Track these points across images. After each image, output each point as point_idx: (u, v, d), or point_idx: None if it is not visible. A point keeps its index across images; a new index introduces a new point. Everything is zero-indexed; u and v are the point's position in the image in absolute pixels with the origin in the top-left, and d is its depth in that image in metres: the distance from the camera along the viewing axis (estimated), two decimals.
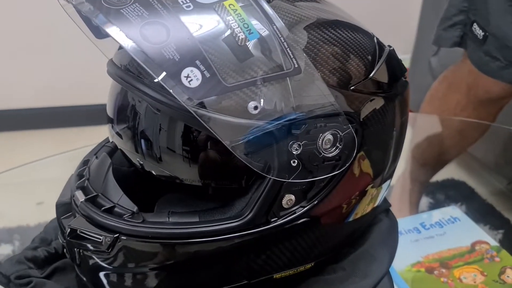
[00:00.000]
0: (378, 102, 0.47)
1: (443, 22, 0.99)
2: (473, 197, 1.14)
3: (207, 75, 0.38)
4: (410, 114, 0.55)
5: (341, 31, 0.46)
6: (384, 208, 0.60)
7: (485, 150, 1.20)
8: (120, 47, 0.46)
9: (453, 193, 1.15)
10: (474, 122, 1.01)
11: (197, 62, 0.38)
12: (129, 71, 0.44)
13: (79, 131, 1.91)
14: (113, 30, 0.37)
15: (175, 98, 0.38)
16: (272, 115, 0.40)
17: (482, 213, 1.02)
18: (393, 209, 0.62)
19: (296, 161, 0.42)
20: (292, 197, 0.45)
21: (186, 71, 0.37)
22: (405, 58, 1.75)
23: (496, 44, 0.91)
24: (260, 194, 0.44)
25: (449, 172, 1.17)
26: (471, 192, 1.17)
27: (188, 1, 0.40)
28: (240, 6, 0.40)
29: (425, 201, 1.06)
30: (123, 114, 0.48)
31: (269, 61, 0.40)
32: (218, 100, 0.38)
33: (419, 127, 1.07)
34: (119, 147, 0.51)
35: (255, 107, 0.39)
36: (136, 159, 0.49)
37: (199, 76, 0.37)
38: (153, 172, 0.48)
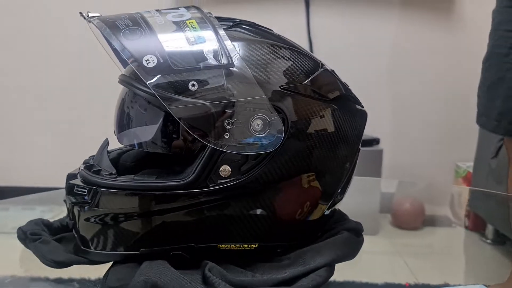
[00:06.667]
0: (311, 104, 0.57)
1: None
2: None
3: (161, 60, 0.53)
4: None
5: (280, 50, 0.59)
6: (354, 228, 0.65)
7: None
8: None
9: None
10: None
11: (156, 52, 0.53)
12: (127, 76, 0.61)
13: None
14: (107, 34, 0.55)
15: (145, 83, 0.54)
16: (209, 94, 0.53)
17: None
18: None
19: (228, 134, 0.54)
20: (228, 168, 0.55)
21: (146, 57, 0.53)
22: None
23: None
24: (201, 160, 0.55)
25: None
26: None
27: (163, 20, 0.57)
28: (197, 24, 0.57)
29: None
30: (122, 112, 0.64)
31: (209, 56, 0.54)
32: (167, 78, 0.53)
33: None
34: (117, 138, 0.66)
35: (193, 85, 0.53)
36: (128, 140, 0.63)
37: (156, 60, 0.53)
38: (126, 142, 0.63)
